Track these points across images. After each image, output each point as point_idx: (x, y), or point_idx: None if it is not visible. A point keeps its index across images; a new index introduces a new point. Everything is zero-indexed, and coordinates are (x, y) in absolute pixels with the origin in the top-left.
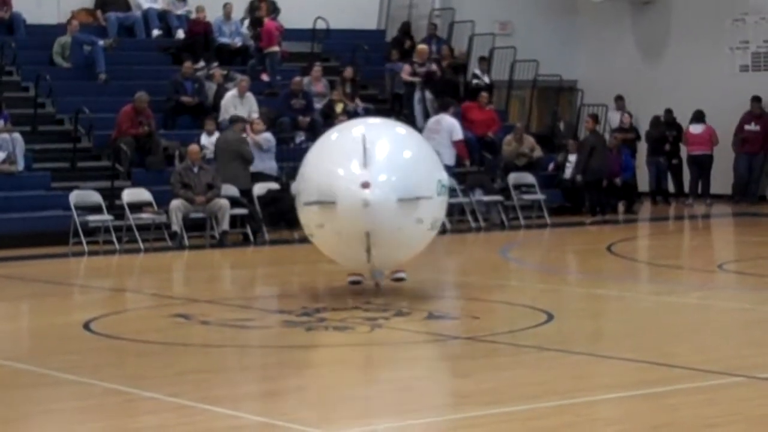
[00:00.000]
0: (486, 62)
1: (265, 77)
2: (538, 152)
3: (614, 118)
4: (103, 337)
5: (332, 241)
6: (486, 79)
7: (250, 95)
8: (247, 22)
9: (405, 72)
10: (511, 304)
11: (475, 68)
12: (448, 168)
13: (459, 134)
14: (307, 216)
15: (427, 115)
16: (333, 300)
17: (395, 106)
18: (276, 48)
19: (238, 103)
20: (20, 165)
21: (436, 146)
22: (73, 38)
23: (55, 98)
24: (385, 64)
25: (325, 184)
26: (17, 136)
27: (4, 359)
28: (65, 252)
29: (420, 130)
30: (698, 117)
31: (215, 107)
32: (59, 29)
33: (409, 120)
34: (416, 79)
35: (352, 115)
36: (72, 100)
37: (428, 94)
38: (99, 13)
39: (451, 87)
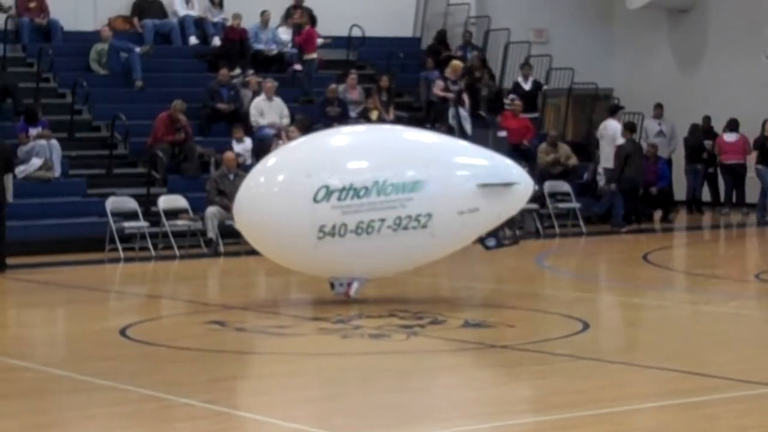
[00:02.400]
0: (528, 68)
1: None
2: (573, 160)
3: (651, 126)
4: (139, 343)
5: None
6: (526, 86)
7: (278, 99)
8: (287, 29)
9: (438, 87)
10: (546, 313)
11: (517, 76)
12: (608, 170)
13: (620, 139)
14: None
15: (462, 132)
16: (368, 307)
17: (430, 114)
18: (314, 55)
19: (266, 106)
20: (57, 171)
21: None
22: (110, 45)
23: (92, 105)
24: (420, 72)
25: (492, 168)
26: (54, 142)
27: (41, 365)
28: (101, 258)
29: None
30: (732, 126)
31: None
32: (96, 36)
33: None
34: (449, 95)
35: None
36: (108, 106)
37: (462, 111)
38: (136, 20)
39: (496, 98)
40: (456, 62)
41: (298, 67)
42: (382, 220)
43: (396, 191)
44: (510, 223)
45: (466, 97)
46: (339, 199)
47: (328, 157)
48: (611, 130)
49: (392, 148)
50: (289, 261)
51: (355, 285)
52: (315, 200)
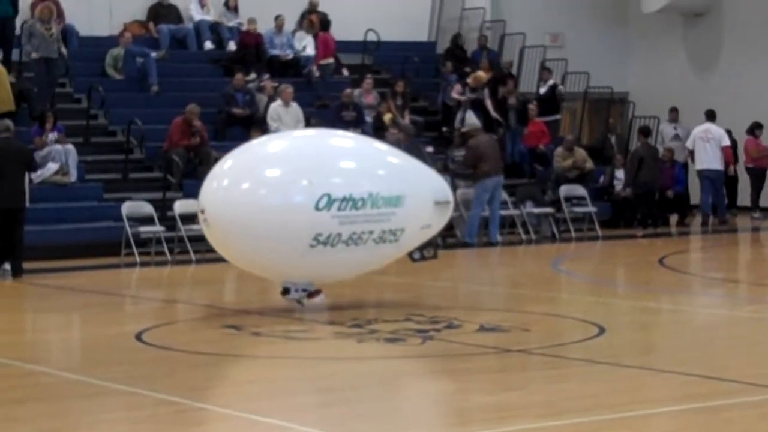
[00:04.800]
0: (548, 73)
1: None
2: (589, 164)
3: (667, 130)
4: (155, 348)
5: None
6: (542, 90)
7: (295, 104)
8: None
9: (455, 91)
10: (562, 317)
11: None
12: (716, 172)
13: (726, 141)
14: (416, 215)
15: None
16: (384, 311)
17: (446, 117)
18: (331, 59)
19: (283, 112)
20: (73, 176)
21: (703, 153)
22: (126, 50)
23: (108, 110)
24: (435, 76)
25: (440, 185)
26: (70, 147)
27: (57, 369)
28: (117, 263)
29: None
30: (756, 129)
31: (266, 119)
32: (112, 41)
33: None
34: (462, 98)
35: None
36: (124, 111)
37: (469, 115)
38: (151, 25)
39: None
40: (480, 73)
41: (346, 72)
42: (371, 232)
43: (385, 204)
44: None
45: (489, 106)
46: (339, 209)
47: (322, 162)
48: (716, 133)
49: (380, 159)
50: (269, 269)
51: (321, 297)
52: (317, 208)
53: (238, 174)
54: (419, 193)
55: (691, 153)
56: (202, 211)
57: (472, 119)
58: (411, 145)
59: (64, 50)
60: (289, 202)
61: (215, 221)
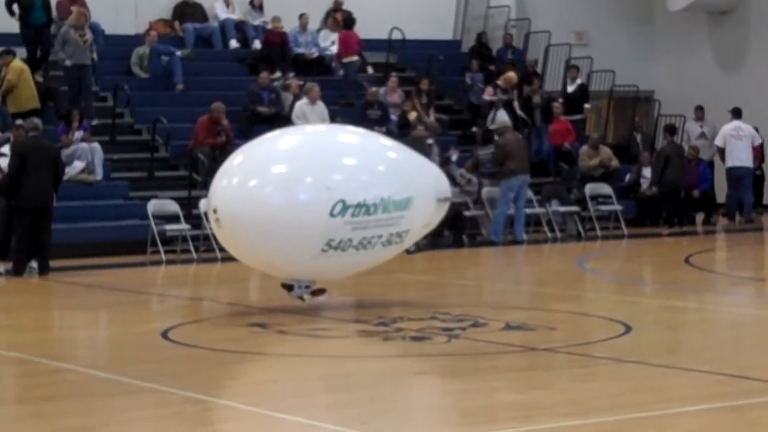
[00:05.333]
0: (576, 71)
1: None
2: (615, 163)
3: (692, 128)
4: (181, 345)
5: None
6: (569, 89)
7: (321, 103)
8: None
9: (487, 93)
10: (588, 316)
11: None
12: (747, 169)
13: (758, 139)
14: (421, 214)
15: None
16: (410, 310)
17: (473, 116)
18: (354, 57)
19: (309, 110)
20: (99, 175)
21: (736, 150)
22: (151, 49)
23: (133, 108)
24: (460, 74)
25: (441, 181)
26: (96, 145)
27: (84, 367)
28: (143, 261)
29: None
30: None
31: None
32: (137, 40)
33: None
34: (494, 98)
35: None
36: (150, 110)
37: (500, 113)
38: (177, 23)
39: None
40: (511, 74)
41: (371, 70)
42: (380, 237)
43: (396, 209)
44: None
45: (516, 106)
46: (353, 215)
47: (336, 166)
48: (747, 130)
49: (386, 158)
50: (277, 269)
51: (325, 296)
52: (332, 215)
53: (250, 173)
54: (425, 192)
55: (721, 151)
56: (215, 211)
57: (502, 117)
58: (411, 138)
59: (95, 56)
60: (304, 206)
61: (228, 221)
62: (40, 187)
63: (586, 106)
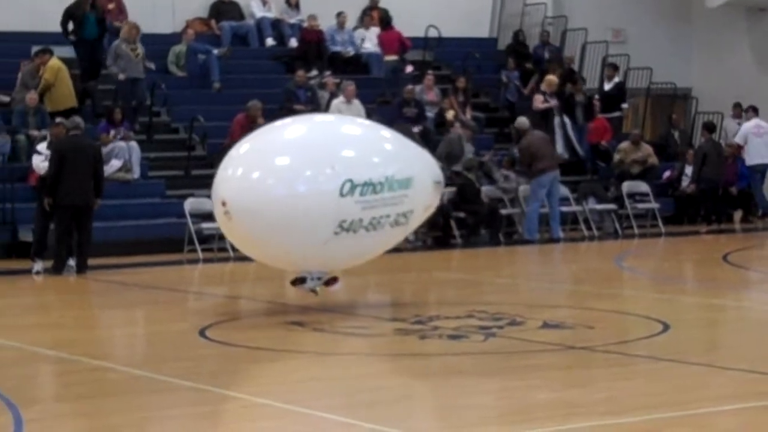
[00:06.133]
0: (614, 69)
1: None
2: (653, 160)
3: (731, 125)
4: (219, 344)
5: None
6: (606, 87)
7: (357, 101)
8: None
9: (537, 101)
10: (625, 314)
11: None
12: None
13: None
14: (422, 195)
15: (567, 140)
16: (446, 308)
17: (508, 114)
18: (395, 56)
19: (344, 108)
20: (136, 173)
21: (759, 147)
22: (188, 47)
23: (170, 107)
24: (497, 72)
25: (435, 166)
26: (133, 144)
27: (121, 365)
28: (180, 259)
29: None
30: None
31: None
32: (174, 38)
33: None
34: (550, 105)
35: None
36: (186, 108)
37: (566, 119)
38: (213, 22)
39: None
40: (551, 77)
41: (410, 68)
42: (388, 216)
43: (399, 187)
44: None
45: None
46: (361, 194)
47: (339, 149)
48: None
49: (386, 141)
50: (289, 259)
51: (338, 284)
52: (341, 194)
53: (257, 163)
54: (423, 173)
55: (741, 148)
56: (223, 203)
57: (521, 119)
58: (400, 126)
59: (151, 65)
60: (314, 189)
61: (238, 213)
62: (79, 186)
63: (624, 105)
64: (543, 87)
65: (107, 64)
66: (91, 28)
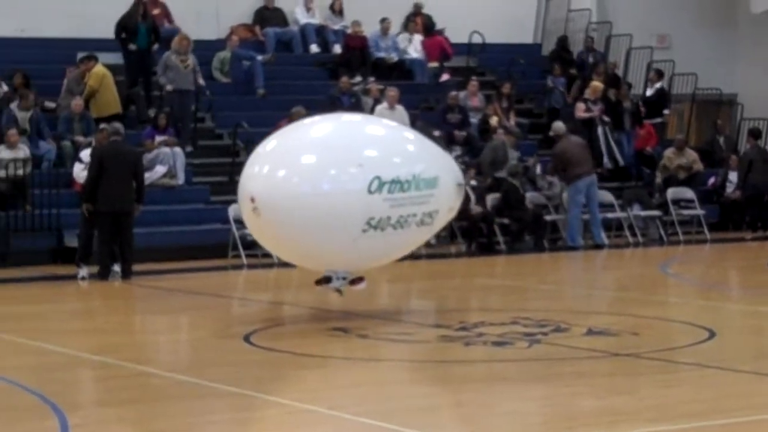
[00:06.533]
0: (657, 75)
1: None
2: (699, 166)
3: None
4: (263, 349)
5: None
6: (648, 92)
7: (400, 108)
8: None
9: (579, 110)
10: (671, 321)
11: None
12: None
13: None
14: (447, 196)
15: (609, 150)
16: (491, 315)
17: (552, 120)
18: (438, 63)
19: (388, 115)
20: (180, 179)
21: None
22: (233, 53)
23: (215, 113)
24: (541, 78)
25: (456, 168)
26: (178, 150)
27: (166, 371)
28: (224, 265)
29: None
30: None
31: None
32: (219, 44)
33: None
34: (593, 114)
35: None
36: (231, 114)
37: (608, 127)
38: (258, 28)
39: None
40: (596, 83)
41: (446, 76)
42: (414, 215)
43: (426, 186)
44: None
45: (606, 118)
46: (389, 191)
47: (365, 148)
48: None
49: (411, 142)
50: (318, 258)
51: (363, 284)
52: (369, 191)
53: (286, 160)
54: (447, 174)
55: None
56: (252, 200)
57: (557, 124)
58: (421, 128)
59: (201, 81)
60: (340, 188)
61: (266, 210)
62: (119, 192)
63: (666, 111)
64: (587, 93)
65: (157, 74)
66: (142, 39)
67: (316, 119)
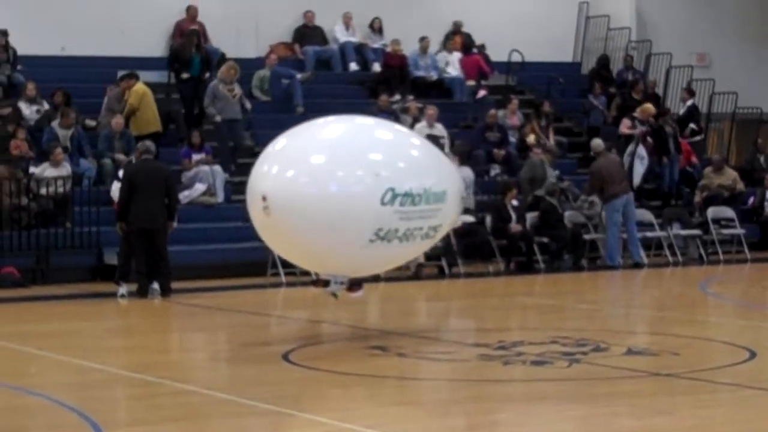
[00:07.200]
0: (688, 93)
1: None
2: (740, 186)
3: None
4: (302, 368)
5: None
6: (681, 111)
7: (439, 126)
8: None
9: (624, 126)
10: (711, 341)
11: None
12: None
13: None
14: (452, 209)
15: (629, 170)
16: (530, 334)
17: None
18: (474, 82)
19: (427, 133)
20: (220, 197)
21: None
22: (272, 71)
23: (254, 131)
24: (580, 96)
25: (459, 178)
26: (217, 168)
27: (204, 388)
28: (263, 283)
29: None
30: None
31: None
32: (258, 63)
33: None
34: (635, 132)
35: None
36: (270, 132)
37: (641, 149)
38: (297, 46)
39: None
40: (648, 105)
41: (482, 92)
42: (421, 229)
43: (435, 200)
44: None
45: (650, 139)
46: (401, 204)
47: (375, 153)
48: None
49: (422, 151)
50: (321, 262)
51: (361, 292)
52: (382, 203)
53: (300, 162)
54: (454, 187)
55: None
56: (264, 198)
57: (596, 141)
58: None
59: (248, 105)
60: (357, 195)
61: (278, 210)
62: (149, 210)
63: (693, 127)
64: (637, 113)
65: (205, 104)
66: (195, 69)
67: (330, 119)
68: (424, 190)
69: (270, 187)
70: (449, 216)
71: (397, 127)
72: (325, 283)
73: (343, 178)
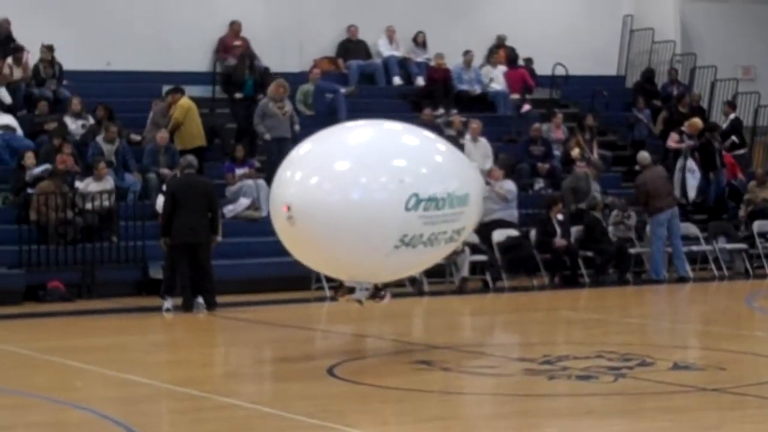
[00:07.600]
0: (730, 107)
1: None
2: None
3: None
4: (347, 382)
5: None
6: (724, 125)
7: (483, 140)
8: (503, 68)
9: (672, 140)
10: (757, 355)
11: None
12: None
13: None
14: (474, 213)
15: (682, 184)
16: (575, 348)
17: (635, 153)
18: (518, 95)
19: (471, 147)
20: (264, 211)
21: None
22: (316, 86)
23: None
24: (625, 110)
25: (480, 179)
26: (261, 182)
27: (249, 402)
28: (307, 297)
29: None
30: None
31: None
32: (302, 77)
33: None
34: (682, 146)
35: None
36: None
37: (690, 163)
38: (340, 61)
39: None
40: (696, 120)
41: (527, 107)
42: (445, 233)
43: (459, 204)
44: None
45: (697, 154)
46: (425, 209)
47: (400, 160)
48: None
49: (446, 156)
50: (347, 269)
51: (387, 299)
52: (407, 208)
53: (324, 168)
54: (476, 190)
55: None
56: (288, 208)
57: (643, 154)
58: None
59: (297, 127)
60: (375, 197)
61: (302, 218)
62: (192, 224)
63: (733, 138)
64: (685, 127)
65: (254, 123)
66: (248, 89)
67: (359, 123)
68: (447, 194)
69: (293, 194)
70: (471, 219)
71: (425, 132)
72: (350, 290)
73: (366, 185)
